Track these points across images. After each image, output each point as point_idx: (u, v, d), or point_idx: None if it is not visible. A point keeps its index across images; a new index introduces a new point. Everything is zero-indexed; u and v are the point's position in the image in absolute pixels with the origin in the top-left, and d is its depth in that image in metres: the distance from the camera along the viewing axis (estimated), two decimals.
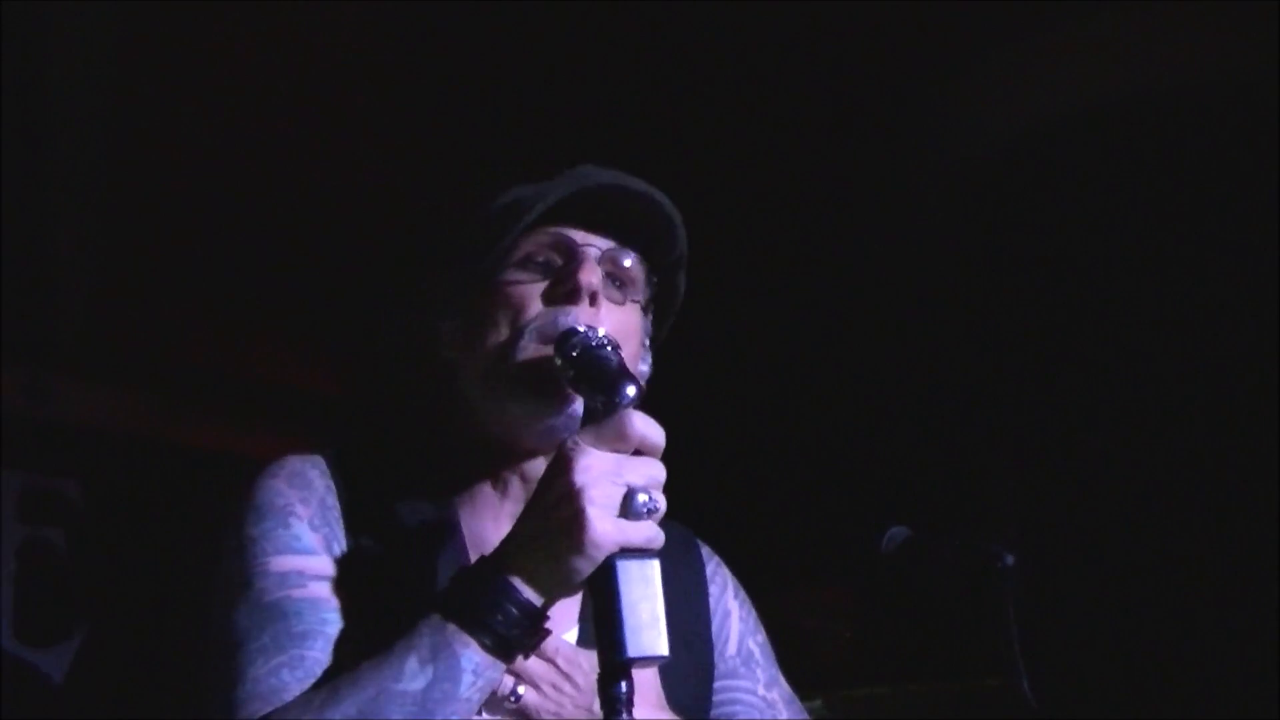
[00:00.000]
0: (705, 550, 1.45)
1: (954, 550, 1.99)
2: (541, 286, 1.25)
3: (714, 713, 1.35)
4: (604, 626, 1.05)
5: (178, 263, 4.04)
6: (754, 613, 1.45)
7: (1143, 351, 3.17)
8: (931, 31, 3.17)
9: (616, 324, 1.25)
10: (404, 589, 1.18)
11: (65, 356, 4.00)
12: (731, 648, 1.40)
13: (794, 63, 3.25)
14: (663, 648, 1.04)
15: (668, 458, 1.09)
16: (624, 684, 1.04)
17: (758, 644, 1.43)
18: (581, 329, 1.19)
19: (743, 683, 1.39)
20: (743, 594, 1.46)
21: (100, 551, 3.86)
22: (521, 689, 1.17)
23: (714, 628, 1.39)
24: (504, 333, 1.24)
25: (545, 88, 3.30)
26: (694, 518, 1.49)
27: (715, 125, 3.47)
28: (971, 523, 3.52)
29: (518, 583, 1.08)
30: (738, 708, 1.36)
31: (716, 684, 1.37)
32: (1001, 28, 3.20)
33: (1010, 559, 1.93)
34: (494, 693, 1.14)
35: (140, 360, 4.28)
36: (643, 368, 1.34)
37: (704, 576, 1.42)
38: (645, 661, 1.04)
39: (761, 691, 1.39)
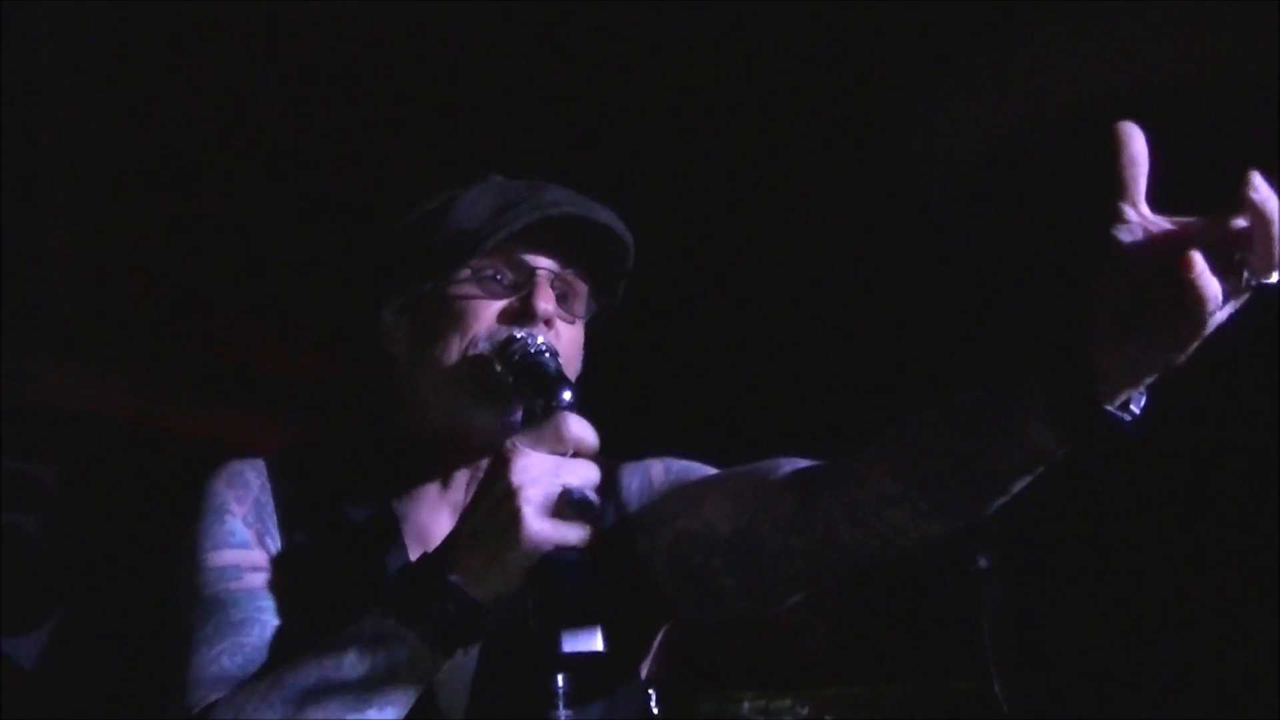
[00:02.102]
0: (623, 465, 1.43)
1: (928, 553, 2.00)
2: (495, 303, 1.30)
3: (667, 507, 1.34)
4: (540, 623, 1.08)
5: (163, 248, 4.03)
6: (692, 463, 1.42)
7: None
8: (920, 28, 3.18)
9: (566, 341, 1.31)
10: (344, 580, 1.23)
11: (46, 341, 3.98)
12: (658, 477, 1.39)
13: (782, 63, 3.26)
14: (598, 643, 1.06)
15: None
16: (561, 677, 1.09)
17: (688, 465, 1.41)
18: (520, 335, 1.25)
19: (693, 470, 1.38)
20: (670, 460, 1.43)
21: (75, 539, 3.84)
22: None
23: (631, 495, 1.38)
24: (456, 344, 1.28)
25: (533, 89, 3.31)
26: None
27: (703, 123, 3.49)
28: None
29: (457, 579, 1.11)
30: (690, 481, 1.35)
31: (662, 498, 1.36)
32: (991, 26, 3.21)
33: (985, 562, 1.95)
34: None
35: (120, 346, 4.26)
36: (578, 366, 1.38)
37: (618, 483, 1.40)
38: (581, 656, 1.07)
39: (709, 472, 1.38)
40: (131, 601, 3.69)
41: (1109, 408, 1.00)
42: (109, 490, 3.96)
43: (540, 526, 1.07)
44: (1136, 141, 0.98)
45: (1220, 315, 0.95)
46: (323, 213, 3.86)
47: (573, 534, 1.09)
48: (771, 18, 3.07)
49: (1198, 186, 3.20)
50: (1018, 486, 1.09)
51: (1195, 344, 0.97)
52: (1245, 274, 0.94)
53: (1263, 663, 2.77)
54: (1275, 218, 0.92)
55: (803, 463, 1.27)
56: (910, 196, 3.71)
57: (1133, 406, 1.02)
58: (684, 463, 1.41)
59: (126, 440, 4.10)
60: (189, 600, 1.23)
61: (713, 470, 1.38)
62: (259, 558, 1.26)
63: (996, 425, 1.07)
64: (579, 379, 1.38)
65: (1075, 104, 3.26)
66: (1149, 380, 1.01)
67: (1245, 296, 0.96)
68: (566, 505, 1.09)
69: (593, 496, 1.10)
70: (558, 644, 1.06)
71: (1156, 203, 1.00)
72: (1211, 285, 0.92)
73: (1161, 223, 0.99)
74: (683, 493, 1.33)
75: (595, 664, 1.08)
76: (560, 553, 1.08)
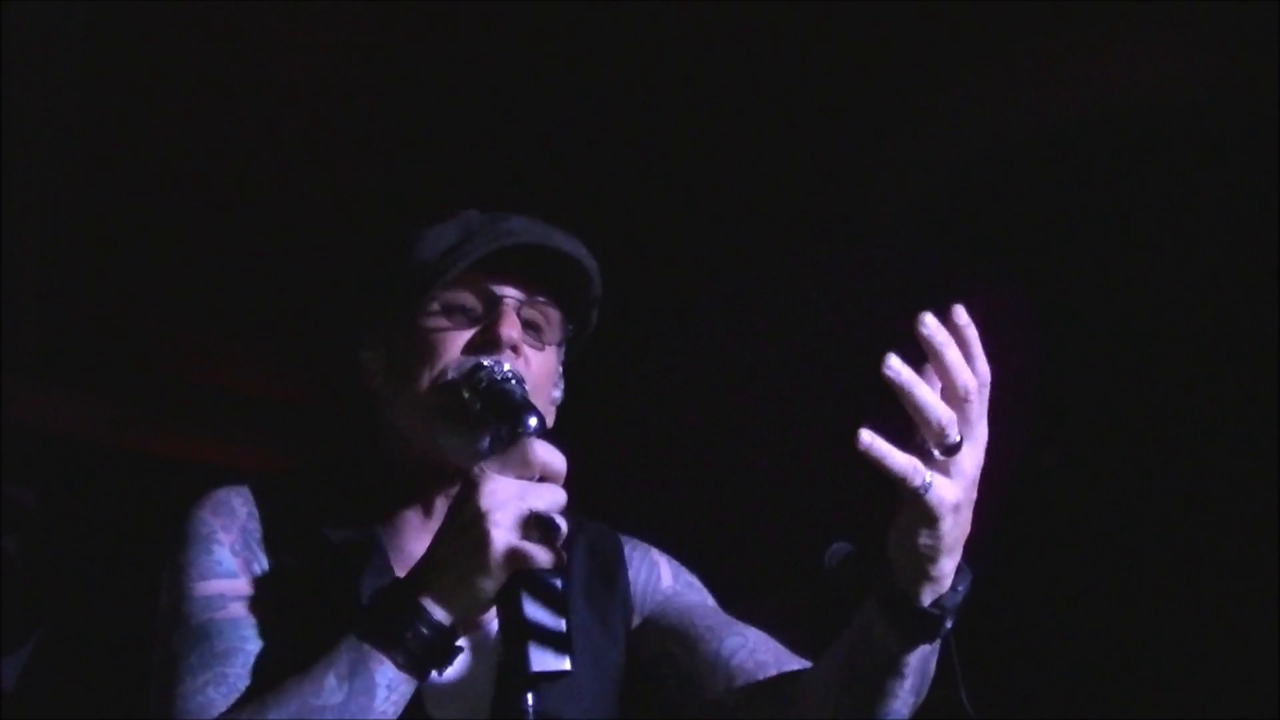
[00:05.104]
0: (623, 538, 1.51)
1: None
2: (463, 334, 1.33)
3: (665, 622, 1.41)
4: (510, 643, 1.12)
5: (139, 269, 4.02)
6: (686, 569, 1.50)
7: (1093, 362, 3.23)
8: (896, 49, 3.21)
9: (536, 368, 1.34)
10: (327, 606, 1.25)
11: (21, 362, 3.96)
12: (666, 580, 1.46)
13: (757, 81, 3.29)
14: (565, 662, 1.10)
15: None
16: (530, 696, 1.12)
17: (695, 578, 1.49)
18: (487, 363, 1.28)
19: (693, 596, 1.45)
20: (669, 558, 1.51)
21: (54, 560, 3.83)
22: None
23: (638, 585, 1.45)
24: (426, 376, 1.31)
25: (508, 119, 3.32)
26: (642, 529, 1.53)
27: (678, 136, 3.51)
28: None
29: (428, 603, 1.14)
30: (693, 614, 1.41)
31: (671, 601, 1.42)
32: (967, 46, 3.24)
33: None
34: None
35: (98, 367, 4.25)
36: (555, 394, 1.42)
37: (622, 557, 1.47)
38: (549, 676, 1.11)
39: (711, 604, 1.46)
40: (111, 621, 3.67)
41: (926, 600, 1.10)
42: (87, 511, 3.95)
43: (508, 549, 1.10)
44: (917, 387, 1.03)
45: (946, 492, 1.04)
46: (300, 236, 3.86)
47: (540, 556, 1.11)
48: (740, 39, 3.10)
49: (1167, 207, 3.23)
50: (898, 688, 1.17)
51: (947, 527, 1.05)
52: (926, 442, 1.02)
53: (1236, 668, 2.80)
54: (948, 357, 1.01)
55: (779, 658, 1.35)
56: (879, 218, 3.74)
57: (958, 588, 1.12)
58: (689, 579, 1.47)
59: (104, 462, 4.10)
60: (174, 629, 1.24)
61: (710, 603, 1.44)
62: (245, 586, 1.27)
63: (863, 638, 1.18)
64: (561, 406, 1.42)
65: (1043, 125, 3.30)
66: (939, 568, 1.10)
67: (966, 458, 1.05)
68: (534, 528, 1.12)
69: (560, 519, 1.13)
70: (526, 663, 1.09)
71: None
72: (893, 459, 1.01)
73: None
74: (684, 635, 1.39)
75: (564, 682, 1.12)
76: (528, 574, 1.12)
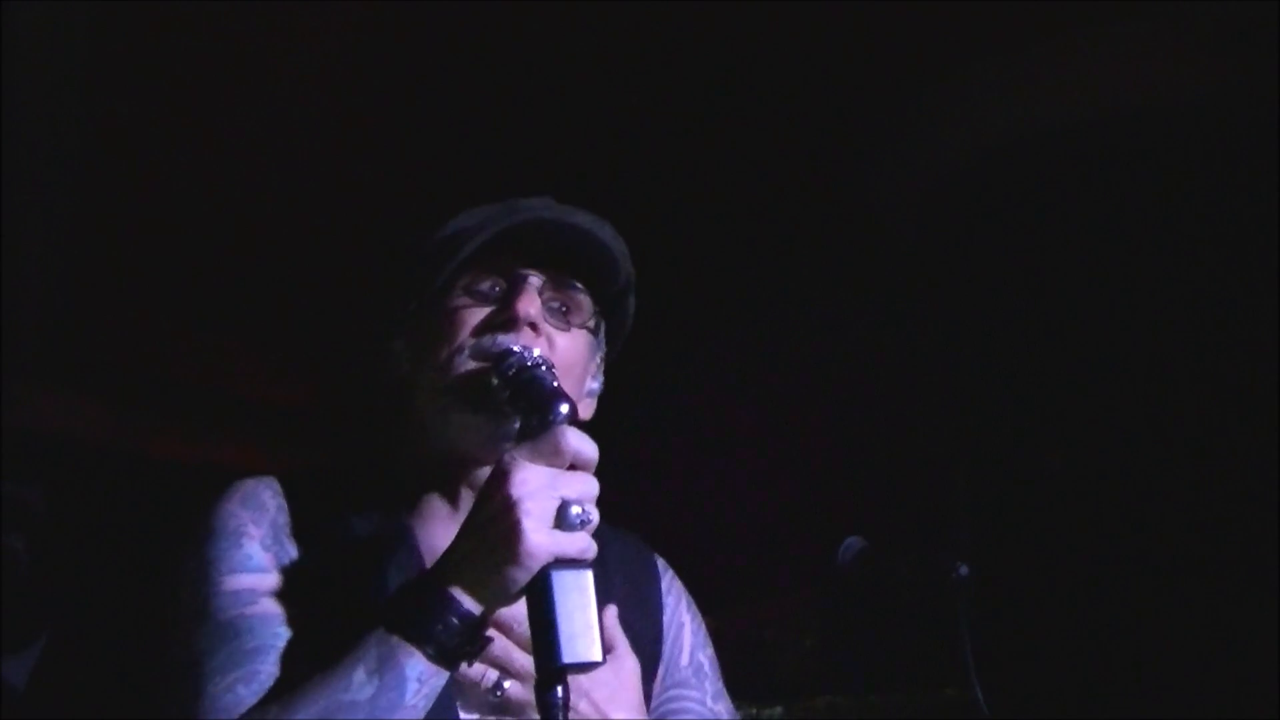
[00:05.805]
0: (661, 563, 1.51)
1: (908, 561, 2.04)
2: (484, 312, 1.30)
3: (660, 711, 1.41)
4: (539, 634, 1.09)
5: (145, 270, 4.02)
6: (704, 627, 1.50)
7: (1097, 365, 3.24)
8: (896, 49, 3.21)
9: (561, 350, 1.31)
10: (357, 599, 1.22)
11: (30, 363, 3.96)
12: (684, 659, 1.45)
13: (758, 80, 3.29)
14: (596, 654, 1.08)
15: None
16: (560, 689, 1.09)
17: (707, 657, 1.48)
18: (517, 349, 1.24)
19: (693, 692, 1.44)
20: (694, 608, 1.51)
21: (63, 560, 3.83)
22: (507, 683, 1.22)
23: (668, 640, 1.44)
24: (444, 355, 1.29)
25: (518, 107, 3.33)
26: (655, 530, 1.53)
27: (679, 137, 3.51)
28: (927, 533, 3.57)
29: (457, 593, 1.12)
30: (687, 716, 1.41)
31: (670, 691, 1.42)
32: (967, 46, 3.24)
33: (964, 570, 1.98)
34: (478, 686, 1.20)
35: (106, 369, 4.25)
36: (593, 385, 1.40)
37: (659, 589, 1.47)
38: (579, 667, 1.09)
39: (709, 703, 1.44)
40: (119, 620, 3.67)
41: None
42: (94, 511, 3.95)
43: (539, 539, 1.08)
44: None
45: None
46: (305, 236, 3.86)
47: (571, 546, 1.10)
48: (741, 40, 3.11)
49: (1159, 207, 3.23)
50: None
51: None
52: None
53: (1238, 668, 2.81)
54: None
55: None
56: (880, 218, 3.75)
57: None
58: (700, 659, 1.47)
59: (111, 463, 4.09)
60: (199, 624, 1.20)
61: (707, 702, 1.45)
62: (275, 581, 1.23)
63: None
64: (602, 397, 1.40)
65: (1044, 126, 3.31)
66: None
67: None
68: (564, 518, 1.10)
69: (591, 509, 1.11)
70: (556, 655, 1.07)
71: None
72: None
73: None
74: None
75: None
76: (558, 565, 1.10)
